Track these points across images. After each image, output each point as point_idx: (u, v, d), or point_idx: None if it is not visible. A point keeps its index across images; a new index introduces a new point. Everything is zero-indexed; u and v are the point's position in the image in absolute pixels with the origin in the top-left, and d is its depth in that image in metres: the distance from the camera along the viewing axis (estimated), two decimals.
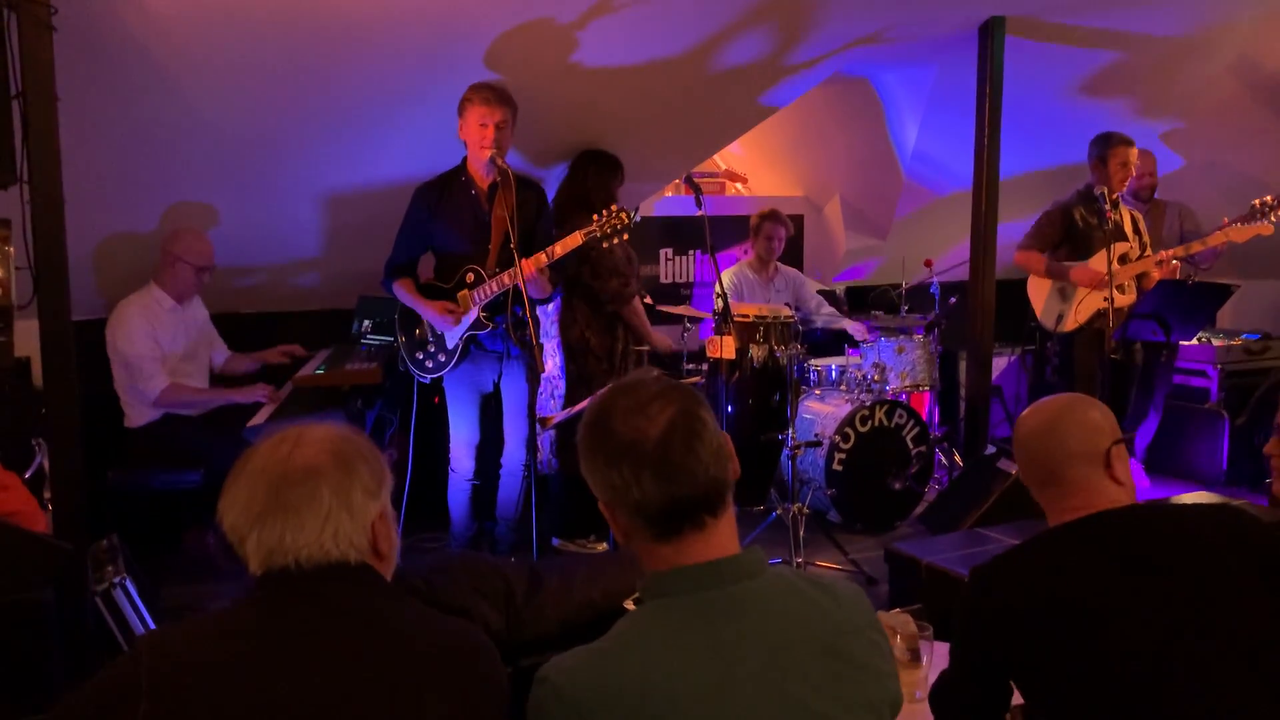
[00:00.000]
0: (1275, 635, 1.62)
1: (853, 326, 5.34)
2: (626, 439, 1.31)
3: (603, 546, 4.37)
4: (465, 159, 3.83)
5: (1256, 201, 4.46)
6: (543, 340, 4.28)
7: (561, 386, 4.61)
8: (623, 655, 1.27)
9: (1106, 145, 4.72)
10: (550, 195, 4.35)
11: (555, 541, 4.41)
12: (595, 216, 3.61)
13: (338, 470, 1.34)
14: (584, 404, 3.75)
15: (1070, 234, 4.77)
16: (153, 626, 3.02)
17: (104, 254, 4.14)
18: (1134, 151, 4.72)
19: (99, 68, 3.31)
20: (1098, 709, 1.60)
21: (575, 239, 3.60)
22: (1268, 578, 1.67)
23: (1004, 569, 1.76)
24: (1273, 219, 4.45)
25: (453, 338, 3.85)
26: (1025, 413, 1.92)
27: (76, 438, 2.98)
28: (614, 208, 3.62)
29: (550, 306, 4.53)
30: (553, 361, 4.63)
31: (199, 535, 4.25)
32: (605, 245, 3.72)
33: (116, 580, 3.01)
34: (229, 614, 1.32)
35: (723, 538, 1.35)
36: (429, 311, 3.83)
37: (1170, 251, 4.62)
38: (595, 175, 4.37)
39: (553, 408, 4.65)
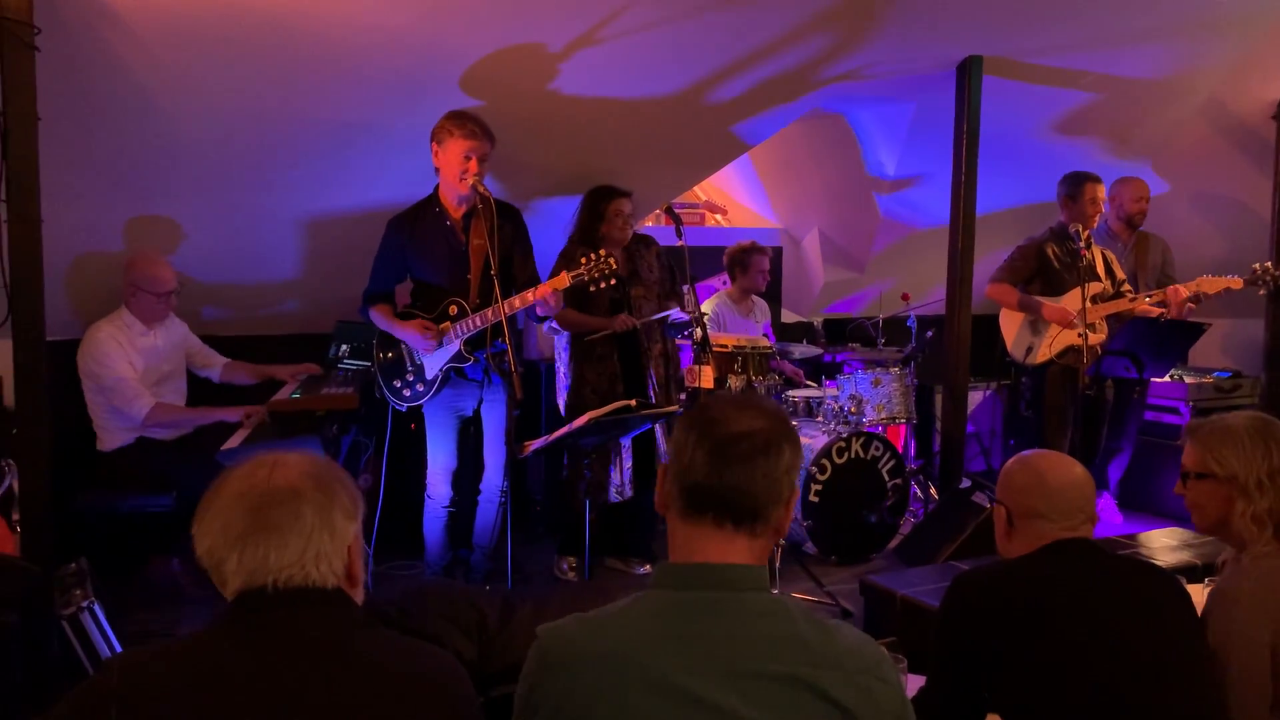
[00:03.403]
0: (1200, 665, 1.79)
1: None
2: (711, 417, 1.41)
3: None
4: (437, 188, 3.83)
5: (1256, 266, 4.59)
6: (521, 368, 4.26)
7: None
8: (603, 623, 1.38)
9: (1076, 184, 4.82)
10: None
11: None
12: (583, 260, 3.63)
13: (318, 492, 1.35)
14: (559, 433, 3.74)
15: (1043, 269, 4.85)
16: (120, 650, 2.98)
17: (78, 273, 4.11)
18: (1102, 188, 4.84)
19: (77, 87, 3.31)
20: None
21: (563, 280, 3.61)
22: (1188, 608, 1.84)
23: (991, 576, 1.83)
24: (1269, 283, 4.58)
25: (432, 368, 3.84)
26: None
27: (46, 459, 2.95)
28: (603, 252, 3.64)
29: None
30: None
31: (164, 561, 4.20)
32: (592, 289, 3.71)
33: (85, 604, 2.97)
34: (201, 638, 1.31)
35: (739, 552, 1.40)
36: (406, 332, 3.79)
37: (1150, 300, 4.68)
38: (580, 211, 4.37)
39: None
